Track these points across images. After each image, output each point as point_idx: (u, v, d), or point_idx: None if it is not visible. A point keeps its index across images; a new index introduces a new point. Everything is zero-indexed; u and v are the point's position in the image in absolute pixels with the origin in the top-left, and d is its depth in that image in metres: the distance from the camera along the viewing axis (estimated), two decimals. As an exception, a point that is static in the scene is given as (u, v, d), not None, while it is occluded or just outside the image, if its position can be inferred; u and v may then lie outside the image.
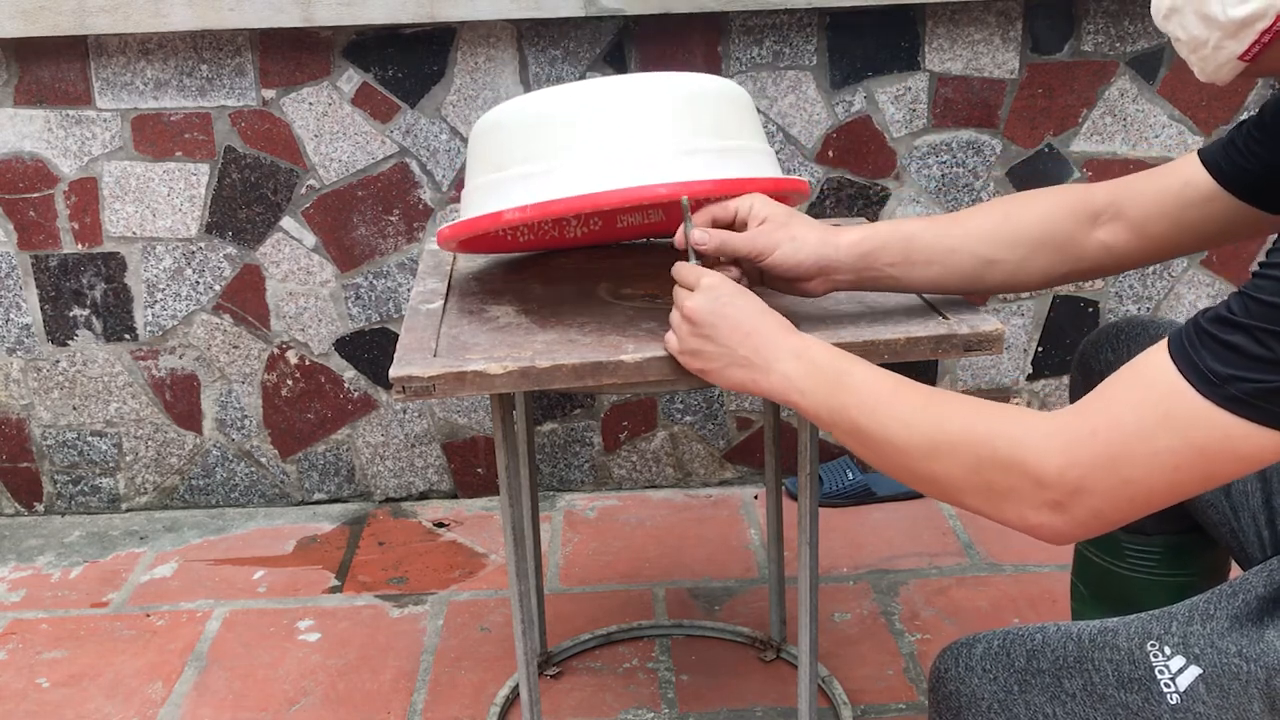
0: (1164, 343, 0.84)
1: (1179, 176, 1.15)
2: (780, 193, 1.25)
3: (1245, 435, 0.79)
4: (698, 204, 1.43)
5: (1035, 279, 1.22)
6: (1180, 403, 0.81)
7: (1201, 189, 1.14)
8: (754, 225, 1.18)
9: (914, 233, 1.19)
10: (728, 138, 1.19)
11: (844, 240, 1.18)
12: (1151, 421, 0.81)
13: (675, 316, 1.12)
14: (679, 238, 1.18)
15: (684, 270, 1.13)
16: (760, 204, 1.18)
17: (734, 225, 1.20)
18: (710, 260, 1.18)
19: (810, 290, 1.20)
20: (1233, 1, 0.88)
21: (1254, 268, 0.82)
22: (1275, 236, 0.83)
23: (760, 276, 1.21)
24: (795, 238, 1.16)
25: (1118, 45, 2.11)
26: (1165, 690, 0.89)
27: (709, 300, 1.08)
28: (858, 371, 0.99)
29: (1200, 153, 1.15)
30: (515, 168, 1.18)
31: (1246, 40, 0.88)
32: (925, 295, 1.28)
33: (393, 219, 2.17)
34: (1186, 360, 0.81)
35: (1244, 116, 2.12)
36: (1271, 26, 0.87)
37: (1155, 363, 0.83)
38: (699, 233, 1.16)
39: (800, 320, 1.17)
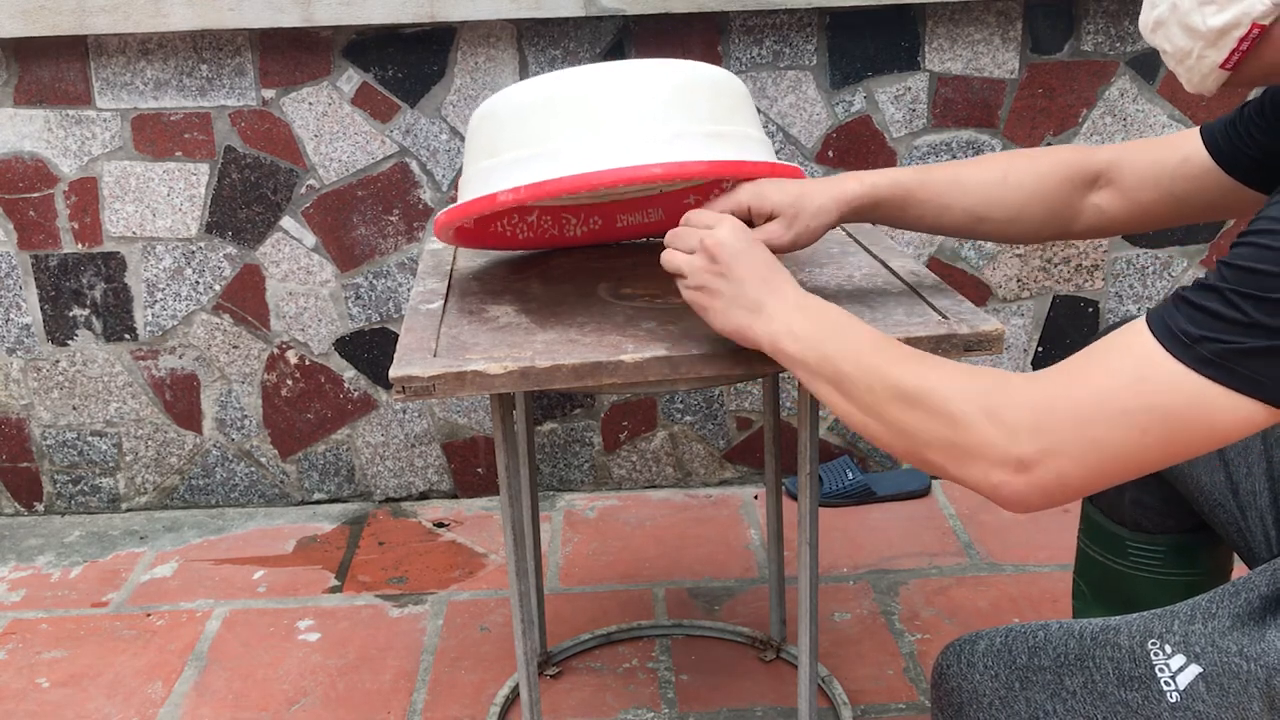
0: (1145, 313, 0.84)
1: (1178, 151, 1.18)
2: (773, 178, 1.25)
3: (1216, 400, 0.80)
4: (706, 195, 1.43)
5: (1026, 236, 1.26)
6: (1153, 366, 0.81)
7: (1197, 165, 1.17)
8: (760, 220, 1.19)
9: (912, 189, 1.22)
10: (722, 124, 1.19)
11: (846, 197, 1.21)
12: (1123, 383, 0.82)
13: (684, 259, 1.09)
14: None
15: (702, 214, 1.12)
16: (759, 198, 1.19)
17: (736, 212, 1.21)
18: None
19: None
20: (1211, 11, 0.90)
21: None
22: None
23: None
24: (807, 226, 1.19)
25: (1118, 45, 2.11)
26: (1165, 689, 0.89)
27: (733, 238, 1.07)
28: (855, 326, 1.00)
29: (1202, 129, 1.18)
30: (509, 153, 1.18)
31: (1226, 49, 0.91)
32: (923, 292, 1.29)
33: (393, 219, 2.17)
34: (1162, 325, 0.82)
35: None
36: (1248, 34, 0.89)
37: (1133, 329, 0.84)
38: None
39: None
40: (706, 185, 1.46)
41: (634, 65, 1.19)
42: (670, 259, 1.10)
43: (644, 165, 1.12)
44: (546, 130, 1.16)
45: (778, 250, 1.19)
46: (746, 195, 1.20)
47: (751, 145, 1.22)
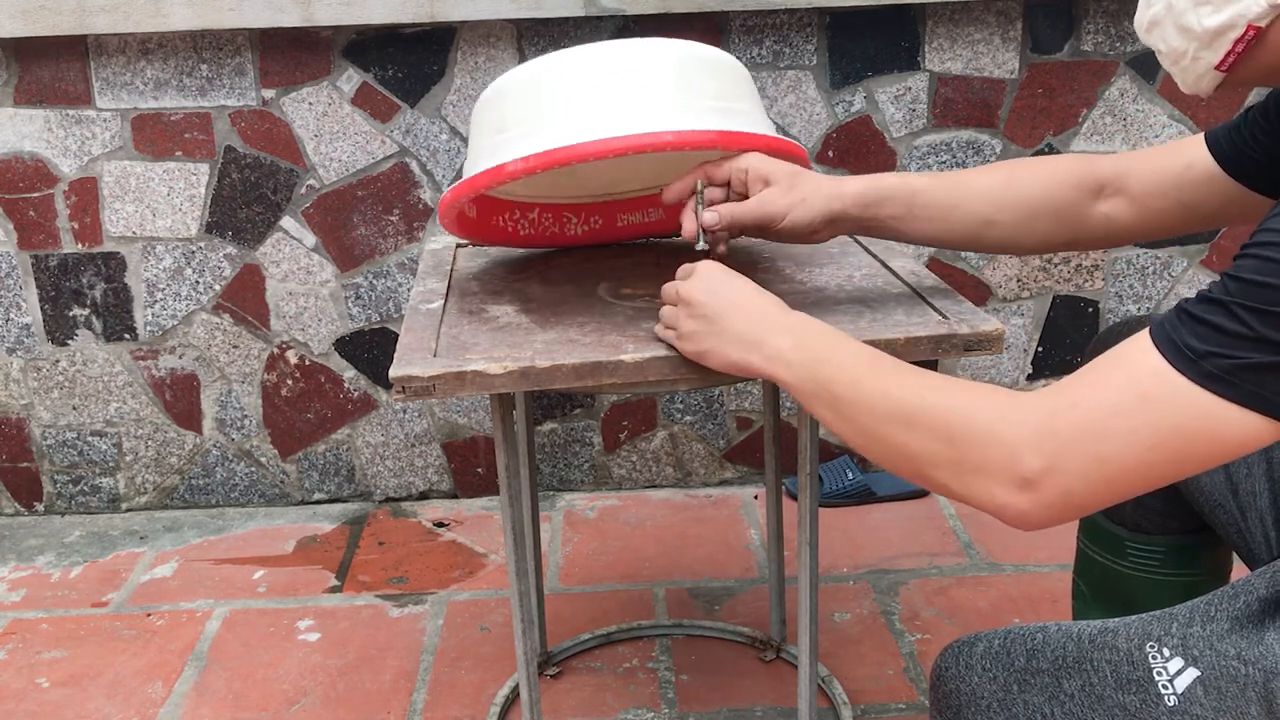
0: (1148, 328, 0.84)
1: (1182, 158, 1.18)
2: (780, 154, 1.25)
3: (1222, 415, 0.79)
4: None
5: (1034, 244, 1.24)
6: (1159, 381, 0.80)
7: (1203, 171, 1.16)
8: (757, 186, 1.19)
9: (919, 188, 1.21)
10: (727, 100, 1.20)
11: (849, 191, 1.20)
12: (1129, 399, 0.81)
13: (667, 310, 1.13)
14: (688, 227, 1.20)
15: (682, 269, 1.15)
16: (759, 162, 1.19)
17: (732, 184, 1.21)
18: (718, 239, 1.21)
19: (815, 240, 1.23)
20: (1207, 12, 0.90)
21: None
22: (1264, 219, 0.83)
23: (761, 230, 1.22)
24: (804, 199, 1.18)
25: (1118, 45, 2.11)
26: (1163, 692, 0.89)
27: (703, 282, 1.09)
28: (846, 346, 1.00)
29: (1206, 135, 1.17)
30: (517, 128, 1.18)
31: (1221, 50, 0.91)
32: (923, 292, 1.29)
33: (393, 219, 2.17)
34: (1167, 340, 0.81)
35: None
36: (1243, 36, 0.89)
37: (1138, 344, 0.83)
38: (710, 214, 1.18)
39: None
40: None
41: (639, 43, 1.20)
42: (660, 318, 1.14)
43: (655, 133, 1.12)
44: (553, 106, 1.17)
45: (773, 220, 1.17)
46: (746, 160, 1.19)
47: (756, 119, 1.22)
